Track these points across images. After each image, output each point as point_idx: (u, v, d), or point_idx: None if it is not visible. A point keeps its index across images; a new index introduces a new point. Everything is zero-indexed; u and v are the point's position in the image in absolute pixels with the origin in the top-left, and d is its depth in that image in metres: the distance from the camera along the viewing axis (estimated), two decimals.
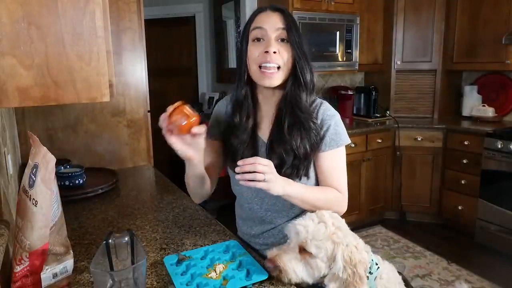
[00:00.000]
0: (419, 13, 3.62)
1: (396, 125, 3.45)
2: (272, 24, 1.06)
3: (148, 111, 2.26)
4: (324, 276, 0.91)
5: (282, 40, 1.07)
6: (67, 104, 1.25)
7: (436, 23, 3.59)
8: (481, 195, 3.04)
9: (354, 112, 3.80)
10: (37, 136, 0.94)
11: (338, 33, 3.22)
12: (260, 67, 1.07)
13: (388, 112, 3.75)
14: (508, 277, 2.63)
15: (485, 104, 3.52)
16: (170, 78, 4.62)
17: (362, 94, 3.78)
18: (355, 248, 0.89)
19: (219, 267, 1.03)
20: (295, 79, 1.10)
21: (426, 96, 3.78)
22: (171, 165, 4.39)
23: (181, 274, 1.00)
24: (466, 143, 3.16)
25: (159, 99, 4.34)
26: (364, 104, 3.78)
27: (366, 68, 3.75)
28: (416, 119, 3.70)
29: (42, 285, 0.91)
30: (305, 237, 0.89)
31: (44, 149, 0.88)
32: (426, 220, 3.54)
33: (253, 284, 0.98)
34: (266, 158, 1.02)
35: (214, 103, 4.09)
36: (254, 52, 1.07)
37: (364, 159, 3.32)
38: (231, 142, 1.17)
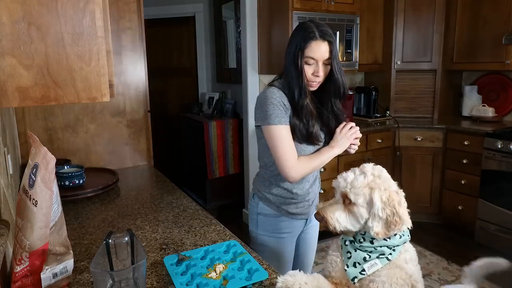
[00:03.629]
0: (419, 13, 3.62)
1: (396, 125, 3.45)
2: (322, 56, 1.36)
3: (148, 111, 2.26)
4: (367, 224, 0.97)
5: (327, 64, 1.39)
6: (67, 104, 1.25)
7: (436, 23, 3.59)
8: (481, 195, 3.04)
9: (354, 112, 3.80)
10: (37, 136, 0.94)
11: (338, 33, 3.22)
12: (308, 80, 1.40)
13: (388, 112, 3.75)
14: (508, 277, 2.62)
15: (485, 104, 3.52)
16: (170, 78, 4.62)
17: (362, 94, 3.78)
18: (394, 192, 0.95)
19: (219, 267, 1.03)
20: (333, 85, 1.43)
21: (426, 96, 3.78)
22: (171, 165, 4.41)
23: (181, 274, 1.00)
24: (466, 143, 3.16)
25: (159, 99, 4.39)
26: (364, 104, 3.77)
27: (366, 68, 3.75)
28: (416, 119, 3.70)
29: (42, 285, 0.91)
30: (344, 187, 0.97)
31: (44, 149, 0.88)
32: (426, 220, 3.54)
33: (253, 284, 0.98)
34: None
35: (214, 103, 4.09)
36: (308, 72, 1.39)
37: (364, 159, 3.32)
38: (306, 127, 1.43)
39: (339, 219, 0.98)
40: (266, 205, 1.52)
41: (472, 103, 3.61)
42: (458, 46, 3.54)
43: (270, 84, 1.47)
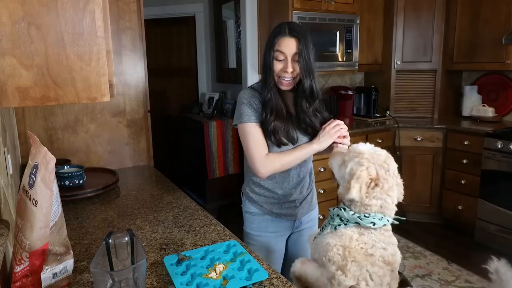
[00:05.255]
0: (419, 13, 3.62)
1: (396, 125, 3.45)
2: (290, 50, 1.38)
3: (148, 111, 2.26)
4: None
5: (296, 60, 1.39)
6: (67, 104, 1.25)
7: (436, 23, 3.59)
8: (481, 195, 3.04)
9: (354, 112, 3.80)
10: (37, 136, 0.94)
11: (338, 33, 3.22)
12: (279, 76, 1.42)
13: (388, 112, 3.75)
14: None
15: (485, 104, 3.52)
16: (170, 78, 4.62)
17: (362, 94, 3.78)
18: (365, 169, 1.09)
19: (219, 267, 1.03)
20: (302, 85, 1.43)
21: (426, 96, 3.78)
22: (171, 165, 4.41)
23: (181, 274, 1.00)
24: (466, 143, 3.16)
25: (159, 99, 4.39)
26: (364, 104, 3.77)
27: (366, 68, 3.75)
28: (416, 119, 3.70)
29: (42, 285, 0.91)
30: (352, 148, 1.20)
31: (44, 149, 0.88)
32: (426, 220, 3.54)
33: (253, 284, 0.98)
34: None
35: (214, 103, 4.09)
36: (276, 67, 1.41)
37: None
38: (267, 125, 1.44)
39: (333, 160, 1.24)
40: (251, 204, 1.56)
41: (472, 103, 3.61)
42: (458, 46, 3.53)
43: (249, 86, 1.53)
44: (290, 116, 1.47)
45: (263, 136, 1.43)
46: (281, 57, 1.39)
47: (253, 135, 1.42)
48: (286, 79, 1.41)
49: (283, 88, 1.44)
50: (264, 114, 1.42)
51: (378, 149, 1.16)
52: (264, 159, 1.41)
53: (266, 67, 1.43)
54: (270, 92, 1.42)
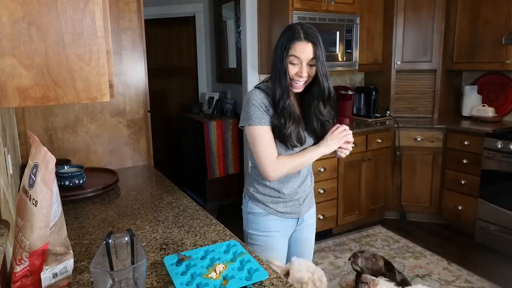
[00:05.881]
0: (419, 13, 3.62)
1: (396, 125, 3.45)
2: (306, 56, 1.37)
3: (148, 111, 2.26)
4: None
5: (311, 65, 1.39)
6: (67, 104, 1.25)
7: (436, 23, 3.59)
8: (481, 195, 3.04)
9: (354, 112, 3.80)
10: (37, 136, 0.94)
11: (338, 33, 3.22)
12: (292, 79, 1.41)
13: (388, 112, 3.75)
14: (508, 277, 2.63)
15: (485, 104, 3.52)
16: (170, 78, 4.62)
17: (362, 94, 3.78)
18: None
19: (219, 267, 1.03)
20: (317, 87, 1.43)
21: (426, 96, 3.78)
22: (171, 165, 4.41)
23: (181, 274, 1.00)
24: (466, 143, 3.16)
25: (159, 99, 4.39)
26: (364, 104, 3.77)
27: (366, 68, 3.75)
28: (416, 119, 3.70)
29: (42, 285, 0.91)
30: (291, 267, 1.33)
31: (44, 149, 0.88)
32: (426, 220, 3.54)
33: (253, 284, 0.98)
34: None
35: (214, 103, 4.09)
36: (291, 71, 1.40)
37: (364, 159, 3.32)
38: (285, 130, 1.44)
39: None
40: (255, 204, 1.56)
41: (472, 103, 3.61)
42: (458, 46, 3.54)
43: (256, 87, 1.50)
44: (299, 118, 1.47)
45: (273, 139, 1.42)
46: (295, 61, 1.38)
47: (262, 137, 1.41)
48: (299, 83, 1.40)
49: (295, 91, 1.44)
50: (283, 120, 1.41)
51: (314, 268, 1.31)
52: (275, 163, 1.41)
53: (279, 71, 1.40)
54: (287, 100, 1.41)
